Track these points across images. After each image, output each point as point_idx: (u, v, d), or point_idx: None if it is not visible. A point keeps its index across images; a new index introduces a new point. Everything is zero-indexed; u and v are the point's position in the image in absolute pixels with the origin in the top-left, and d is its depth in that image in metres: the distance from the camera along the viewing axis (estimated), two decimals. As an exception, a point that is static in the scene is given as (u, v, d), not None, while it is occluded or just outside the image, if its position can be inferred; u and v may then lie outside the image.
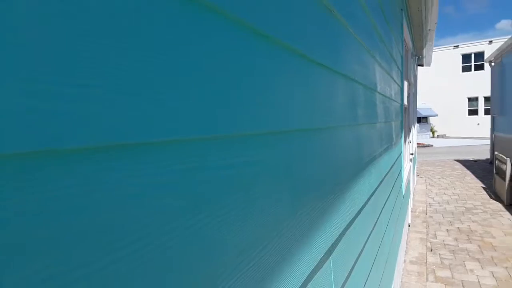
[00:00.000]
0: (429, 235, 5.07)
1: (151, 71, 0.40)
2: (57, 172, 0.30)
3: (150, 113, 0.40)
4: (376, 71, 2.04)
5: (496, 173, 7.30)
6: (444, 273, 3.83)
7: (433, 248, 4.56)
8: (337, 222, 1.15)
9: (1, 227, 0.26)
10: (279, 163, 0.73)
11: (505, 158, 6.57)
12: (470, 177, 9.37)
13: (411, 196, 6.27)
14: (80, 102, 0.32)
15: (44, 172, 0.29)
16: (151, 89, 0.40)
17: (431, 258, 4.24)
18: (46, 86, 0.29)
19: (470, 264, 4.02)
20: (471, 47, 26.20)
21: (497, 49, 10.74)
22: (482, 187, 8.03)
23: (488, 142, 14.08)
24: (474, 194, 7.41)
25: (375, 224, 1.92)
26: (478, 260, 4.13)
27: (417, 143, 14.99)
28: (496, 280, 3.60)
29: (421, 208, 6.46)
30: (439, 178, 9.35)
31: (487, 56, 12.70)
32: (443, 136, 27.62)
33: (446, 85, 27.08)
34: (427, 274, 3.82)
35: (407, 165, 4.91)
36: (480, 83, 24.70)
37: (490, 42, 24.92)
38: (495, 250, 4.39)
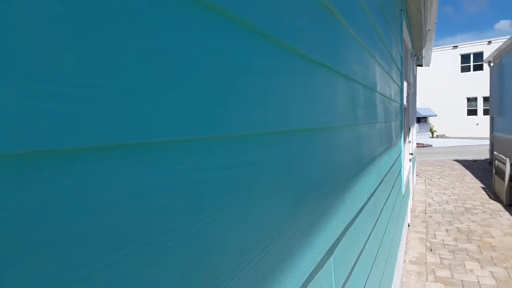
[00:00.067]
0: (429, 235, 5.07)
1: (151, 71, 0.40)
2: (57, 172, 0.30)
3: (150, 113, 0.40)
4: (376, 71, 2.04)
5: (495, 173, 7.30)
6: (444, 273, 3.83)
7: (433, 248, 4.56)
8: (337, 222, 1.15)
9: (1, 227, 0.26)
10: (279, 163, 0.73)
11: (504, 158, 6.58)
12: (469, 177, 9.38)
13: (411, 196, 6.27)
14: (80, 102, 0.32)
15: (44, 172, 0.29)
16: (151, 89, 0.40)
17: (430, 258, 4.24)
18: (46, 86, 0.29)
19: (469, 264, 4.02)
20: (470, 48, 26.23)
21: (496, 50, 10.76)
22: (482, 187, 8.04)
23: (487, 142, 14.10)
24: (474, 194, 7.42)
25: (375, 224, 1.92)
26: (477, 260, 4.13)
27: (417, 143, 15.00)
28: (496, 280, 3.60)
29: (420, 208, 6.46)
30: (438, 178, 9.36)
31: (486, 56, 12.72)
32: (442, 136, 27.65)
33: (445, 85, 27.11)
34: (426, 274, 3.82)
35: (406, 165, 4.91)
36: (479, 84, 24.73)
37: (489, 42, 24.96)
38: (495, 250, 4.39)
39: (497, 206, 6.39)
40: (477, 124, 26.16)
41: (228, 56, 0.55)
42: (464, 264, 4.04)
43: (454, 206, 6.53)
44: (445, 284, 3.57)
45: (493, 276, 3.70)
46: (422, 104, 25.38)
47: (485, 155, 13.72)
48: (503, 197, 6.49)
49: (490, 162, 11.56)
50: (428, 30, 6.38)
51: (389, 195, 2.63)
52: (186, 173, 0.46)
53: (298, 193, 0.83)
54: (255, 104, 0.63)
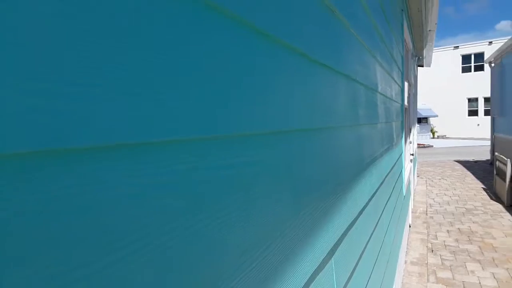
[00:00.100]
0: (430, 236, 5.06)
1: (151, 71, 0.40)
2: (57, 172, 0.30)
3: (150, 113, 0.40)
4: (377, 71, 2.04)
5: (496, 174, 7.29)
6: (445, 274, 3.82)
7: (434, 249, 4.55)
8: (339, 223, 1.15)
9: (1, 227, 0.26)
10: (279, 163, 0.73)
11: (506, 159, 6.57)
12: (470, 178, 9.37)
13: (412, 196, 6.26)
14: (80, 101, 0.31)
15: (44, 172, 0.29)
16: (151, 89, 0.40)
17: (431, 259, 4.23)
18: (46, 85, 0.29)
19: (471, 265, 4.01)
20: (471, 48, 26.23)
21: (497, 50, 10.75)
22: (483, 188, 8.03)
23: (488, 143, 14.09)
24: (475, 195, 7.41)
25: (376, 225, 1.91)
26: (479, 261, 4.12)
27: (418, 144, 14.99)
28: (497, 281, 3.59)
29: (421, 208, 6.45)
30: (439, 179, 9.35)
31: (487, 57, 12.71)
32: (443, 137, 27.63)
33: (446, 86, 27.10)
34: (428, 275, 3.81)
35: (407, 166, 4.90)
36: (480, 84, 24.72)
37: (490, 43, 24.96)
38: (496, 251, 4.38)
39: (498, 207, 6.37)
40: (478, 124, 26.13)
41: (228, 56, 0.55)
42: (465, 265, 4.03)
43: (455, 207, 6.52)
44: (446, 285, 3.57)
45: (495, 277, 3.69)
46: (423, 105, 25.36)
47: (486, 155, 13.70)
48: (504, 198, 6.48)
49: (491, 163, 11.55)
50: (429, 30, 6.37)
51: (390, 196, 2.63)
52: (186, 173, 0.46)
53: (299, 193, 0.82)
54: (255, 104, 0.63)
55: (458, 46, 26.80)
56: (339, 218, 1.16)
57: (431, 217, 5.93)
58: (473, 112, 26.70)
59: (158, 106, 0.41)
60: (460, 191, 7.83)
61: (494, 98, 12.00)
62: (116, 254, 0.35)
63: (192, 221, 0.46)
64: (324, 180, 1.02)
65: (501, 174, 6.79)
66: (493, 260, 4.12)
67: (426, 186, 8.45)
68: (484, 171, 10.30)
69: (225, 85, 0.54)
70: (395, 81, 3.19)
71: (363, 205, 1.58)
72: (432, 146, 20.77)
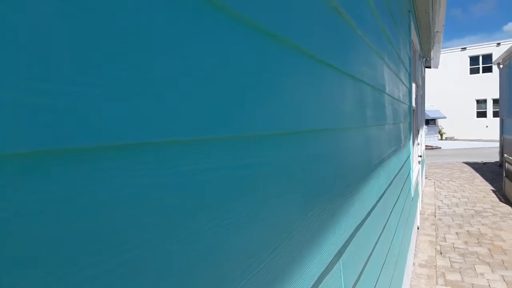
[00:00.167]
0: (439, 238, 5.02)
1: (164, 71, 0.40)
2: (58, 172, 0.29)
3: (158, 113, 0.39)
4: (384, 72, 2.03)
5: (505, 176, 7.21)
6: (454, 277, 3.78)
7: (443, 251, 4.51)
8: (346, 224, 1.14)
9: (2, 227, 0.26)
10: (289, 165, 0.73)
11: (515, 160, 6.50)
12: (479, 179, 9.28)
13: (420, 198, 6.21)
14: (83, 101, 0.31)
15: (45, 172, 0.29)
16: (159, 89, 0.40)
17: (440, 261, 4.20)
18: (47, 84, 0.28)
19: (480, 268, 3.97)
20: (479, 49, 26.03)
21: (505, 51, 10.66)
22: (492, 190, 7.95)
23: (497, 144, 13.95)
24: (484, 197, 7.33)
25: (384, 227, 1.90)
26: (488, 263, 4.08)
27: (426, 145, 14.89)
28: (507, 284, 3.55)
29: (430, 210, 6.40)
30: (448, 181, 9.27)
31: (495, 58, 12.60)
32: (451, 139, 27.42)
33: (454, 87, 26.91)
34: (436, 278, 3.78)
35: (415, 167, 4.87)
36: (489, 85, 24.52)
37: (498, 44, 24.75)
38: (506, 254, 4.33)
39: (508, 209, 6.30)
40: (487, 126, 25.91)
41: (240, 56, 0.55)
42: (474, 267, 3.99)
43: (464, 209, 6.46)
44: (455, 288, 3.53)
45: (504, 280, 3.65)
46: (431, 106, 25.20)
47: (495, 157, 13.57)
48: (514, 200, 6.41)
49: (500, 164, 11.43)
50: (436, 31, 6.34)
51: (398, 198, 2.61)
52: (195, 174, 0.45)
53: (308, 194, 0.82)
54: (267, 104, 0.63)
55: (465, 48, 26.61)
56: (347, 220, 1.15)
57: (440, 219, 5.88)
58: (481, 114, 26.48)
59: (167, 106, 0.41)
60: (469, 193, 7.75)
61: (503, 99, 11.89)
62: (120, 257, 0.34)
63: (200, 223, 0.46)
64: (333, 181, 1.02)
65: (510, 176, 6.72)
66: (503, 263, 4.07)
67: (435, 188, 8.38)
68: (493, 173, 10.20)
69: (234, 86, 0.54)
70: (402, 82, 3.18)
71: (371, 207, 1.57)
72: (440, 147, 20.61)
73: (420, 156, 6.12)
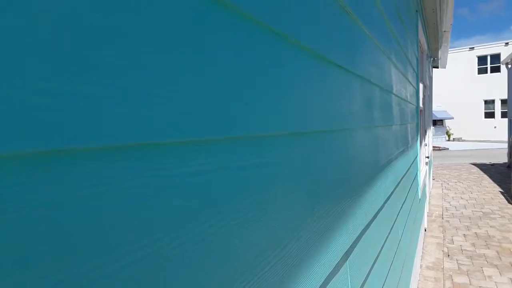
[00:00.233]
0: (446, 240, 4.98)
1: (171, 71, 0.40)
2: (63, 173, 0.29)
3: (166, 113, 0.39)
4: (391, 72, 2.02)
5: (514, 177, 7.15)
6: (462, 279, 3.75)
7: (450, 254, 4.47)
8: (354, 225, 1.13)
9: (5, 228, 0.25)
10: (297, 165, 0.73)
11: (524, 161, 6.43)
12: (487, 181, 9.20)
13: (427, 200, 6.17)
14: (89, 101, 0.31)
15: (49, 172, 0.28)
16: (165, 90, 0.40)
17: (448, 264, 4.16)
18: (52, 84, 0.28)
19: (488, 270, 3.93)
20: (487, 49, 25.82)
21: (515, 51, 10.56)
22: (500, 191, 7.87)
23: (505, 145, 13.82)
24: (492, 198, 7.27)
25: (391, 228, 1.89)
26: (496, 266, 4.04)
27: (433, 146, 14.79)
28: (516, 287, 3.51)
29: (437, 212, 6.36)
30: (455, 182, 9.21)
31: (504, 58, 12.49)
32: (459, 139, 27.22)
33: (461, 88, 26.72)
34: (444, 280, 3.75)
35: (423, 169, 4.84)
36: (497, 86, 24.32)
37: (507, 44, 24.54)
38: (514, 256, 4.29)
39: (517, 210, 6.24)
40: (495, 127, 25.69)
41: (248, 57, 0.55)
42: (482, 270, 3.95)
43: (472, 210, 6.41)
44: (463, 290, 3.50)
45: (513, 283, 3.61)
46: (438, 107, 25.05)
47: (503, 158, 13.44)
48: (523, 201, 6.34)
49: (508, 166, 11.33)
50: (444, 31, 6.29)
51: (405, 199, 2.59)
52: (202, 174, 0.45)
53: (315, 195, 0.82)
54: (275, 105, 0.63)
55: (473, 47, 26.42)
56: (354, 221, 1.15)
57: (447, 221, 5.84)
58: (489, 114, 26.26)
59: (170, 106, 0.40)
60: (476, 194, 7.69)
61: (511, 100, 11.79)
62: (127, 259, 0.34)
63: (208, 223, 0.46)
64: (340, 182, 1.01)
65: (519, 178, 6.65)
66: (511, 265, 4.03)
67: (442, 189, 8.32)
68: (501, 174, 10.11)
69: (239, 87, 0.53)
70: (410, 82, 3.16)
71: (378, 208, 1.56)
72: (447, 148, 20.48)
73: (428, 157, 6.08)
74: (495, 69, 25.20)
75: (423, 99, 5.53)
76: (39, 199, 0.27)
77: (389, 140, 1.94)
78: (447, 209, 6.57)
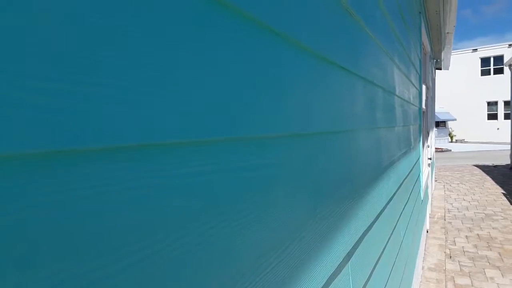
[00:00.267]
0: (448, 241, 4.96)
1: (173, 71, 0.40)
2: (63, 173, 0.29)
3: (166, 113, 0.39)
4: (394, 74, 2.02)
5: (517, 179, 7.12)
6: (464, 281, 3.74)
7: (452, 255, 4.46)
8: (356, 227, 1.13)
9: (5, 228, 0.25)
10: (299, 166, 0.72)
11: (527, 163, 6.41)
12: (489, 182, 9.17)
13: (429, 201, 6.16)
14: (89, 101, 0.31)
15: (50, 173, 0.28)
16: (167, 90, 0.39)
17: (450, 265, 4.15)
18: (53, 84, 0.28)
19: (490, 272, 3.92)
20: (490, 51, 25.74)
21: (518, 52, 10.52)
22: (502, 193, 7.84)
23: (508, 147, 13.77)
24: (494, 200, 7.24)
25: (393, 230, 1.88)
26: (498, 268, 4.02)
27: (435, 148, 14.76)
28: (518, 289, 3.50)
29: (439, 214, 6.34)
30: (458, 184, 9.18)
31: (507, 59, 12.45)
32: (461, 141, 27.14)
33: (464, 89, 26.64)
34: (446, 282, 3.74)
35: (425, 170, 4.82)
36: (500, 87, 24.23)
37: (510, 45, 24.46)
38: (517, 258, 4.27)
39: (519, 212, 6.22)
40: (498, 128, 25.59)
41: (248, 57, 0.54)
42: (484, 271, 3.94)
43: (474, 212, 6.39)
44: (465, 292, 3.49)
45: (516, 285, 3.59)
46: (441, 108, 24.97)
47: (506, 160, 13.40)
48: (526, 203, 6.32)
49: (511, 167, 11.29)
50: (447, 33, 6.28)
51: (407, 200, 2.59)
52: (206, 175, 0.45)
53: (316, 196, 0.81)
54: (276, 106, 0.62)
55: (476, 49, 26.33)
56: (356, 222, 1.14)
57: (450, 223, 5.82)
58: (492, 116, 26.16)
59: (171, 107, 0.40)
60: (479, 196, 7.66)
61: (515, 101, 11.76)
62: (129, 258, 0.34)
63: (209, 224, 0.46)
64: (342, 183, 1.01)
65: (522, 179, 6.62)
66: (514, 268, 4.02)
67: (444, 191, 8.30)
68: (504, 176, 10.07)
69: (241, 88, 0.53)
70: (412, 84, 3.15)
71: (380, 209, 1.56)
72: (450, 150, 20.42)
73: (430, 159, 6.06)
74: (498, 71, 25.11)
75: (426, 100, 5.52)
76: (40, 200, 0.27)
77: (391, 141, 1.94)
78: (449, 211, 6.56)
